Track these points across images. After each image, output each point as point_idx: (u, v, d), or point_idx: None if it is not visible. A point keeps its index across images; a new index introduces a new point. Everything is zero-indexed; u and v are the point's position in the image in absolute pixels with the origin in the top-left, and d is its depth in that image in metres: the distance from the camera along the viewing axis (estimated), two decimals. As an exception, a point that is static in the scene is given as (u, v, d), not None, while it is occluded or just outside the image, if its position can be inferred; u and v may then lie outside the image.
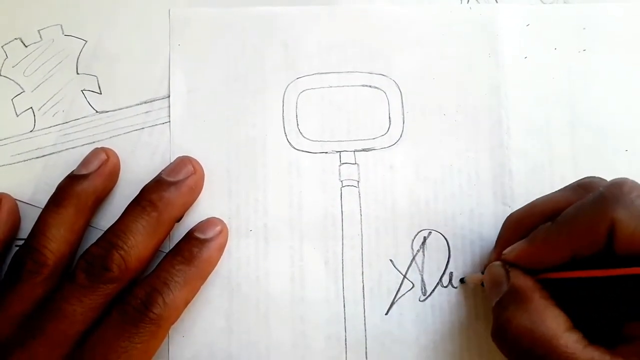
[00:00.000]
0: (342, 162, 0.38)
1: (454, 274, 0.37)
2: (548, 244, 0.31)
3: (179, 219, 0.36)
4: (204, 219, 0.37)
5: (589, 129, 0.38)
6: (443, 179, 0.38)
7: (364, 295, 0.36)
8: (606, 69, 0.39)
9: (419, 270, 0.37)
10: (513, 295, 0.31)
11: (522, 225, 0.33)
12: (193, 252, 0.34)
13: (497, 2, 0.39)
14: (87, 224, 0.36)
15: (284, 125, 0.38)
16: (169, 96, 0.38)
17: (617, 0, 0.39)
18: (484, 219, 0.37)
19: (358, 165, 0.38)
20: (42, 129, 0.38)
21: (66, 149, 0.38)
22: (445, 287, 0.37)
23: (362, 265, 0.37)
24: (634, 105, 0.39)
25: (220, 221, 0.36)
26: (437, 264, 0.37)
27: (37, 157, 0.38)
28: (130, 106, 0.38)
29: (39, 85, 0.38)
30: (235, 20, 0.39)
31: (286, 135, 0.38)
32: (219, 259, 0.36)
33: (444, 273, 0.37)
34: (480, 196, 0.38)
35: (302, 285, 0.36)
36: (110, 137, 0.38)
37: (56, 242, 0.33)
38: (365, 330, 0.36)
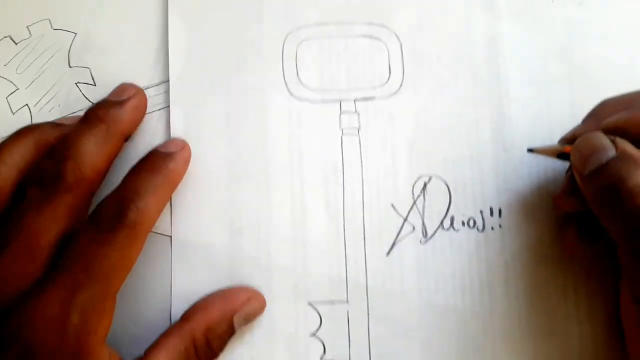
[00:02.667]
0: (342, 110, 0.38)
1: (455, 217, 0.37)
2: None
3: (127, 138, 0.36)
4: (202, 164, 0.37)
5: (586, 80, 0.38)
6: (443, 127, 0.38)
7: (364, 238, 0.37)
8: (604, 22, 0.39)
9: (420, 214, 0.37)
10: (625, 159, 0.29)
11: (622, 106, 0.32)
12: (157, 162, 0.34)
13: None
14: (116, 154, 0.35)
15: (283, 74, 0.39)
16: (163, 82, 0.39)
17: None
18: (483, 164, 0.38)
19: (358, 113, 0.38)
20: None
21: None
22: (447, 230, 0.37)
23: (363, 209, 0.37)
24: (632, 57, 0.39)
25: (182, 140, 0.37)
26: (438, 208, 0.37)
27: None
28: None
29: (32, 82, 0.39)
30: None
31: (286, 85, 0.39)
32: (184, 171, 0.36)
33: (445, 217, 0.37)
34: (480, 143, 0.38)
35: (303, 228, 0.37)
36: None
37: (88, 159, 0.33)
38: (366, 271, 0.36)
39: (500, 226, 0.37)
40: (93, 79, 0.39)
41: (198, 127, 0.38)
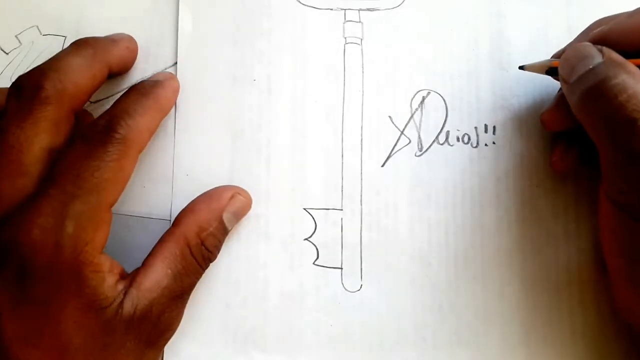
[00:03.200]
0: (346, 19, 0.38)
1: (450, 132, 0.38)
2: None
3: (113, 73, 0.36)
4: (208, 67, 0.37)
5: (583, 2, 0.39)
6: (444, 42, 0.38)
7: (361, 147, 0.37)
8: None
9: (417, 127, 0.38)
10: (610, 64, 0.30)
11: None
12: (147, 87, 0.34)
13: None
14: (100, 80, 0.34)
15: (290, -22, 0.38)
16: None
17: None
18: (481, 81, 0.38)
19: (362, 23, 0.38)
20: None
21: None
22: (442, 144, 0.38)
23: (362, 120, 0.38)
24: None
25: (170, 73, 0.37)
26: (435, 123, 0.38)
27: None
28: (122, 90, 0.38)
29: None
30: None
31: (293, -11, 0.38)
32: (174, 100, 0.36)
33: (440, 131, 0.38)
34: (478, 60, 0.38)
35: (302, 134, 0.37)
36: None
37: (70, 75, 0.32)
38: (362, 180, 0.37)
39: (493, 143, 0.38)
40: None
41: (205, 29, 0.38)
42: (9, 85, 0.33)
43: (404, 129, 0.38)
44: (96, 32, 0.37)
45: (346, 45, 0.38)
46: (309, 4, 0.38)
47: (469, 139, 0.38)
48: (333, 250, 0.37)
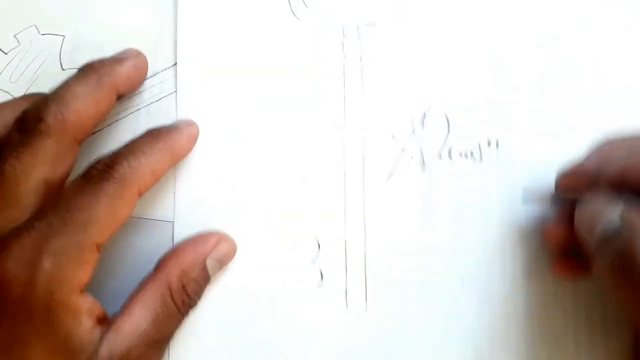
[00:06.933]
0: (345, 36, 0.38)
1: (452, 147, 0.37)
2: None
3: (120, 95, 0.35)
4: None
5: (590, 10, 0.38)
6: (445, 58, 0.38)
7: (363, 166, 0.37)
8: None
9: (418, 143, 0.37)
10: (632, 228, 0.28)
11: (626, 145, 0.32)
12: (162, 130, 0.34)
13: None
14: (107, 106, 0.34)
15: (288, -5, 0.38)
16: (158, 73, 0.38)
17: None
18: (483, 97, 0.38)
19: (361, 39, 0.38)
20: None
21: None
22: (444, 160, 0.37)
23: (363, 137, 0.37)
24: None
25: (191, 120, 0.36)
26: (437, 138, 0.38)
27: None
28: None
29: (27, 89, 0.38)
30: None
31: (290, 5, 0.39)
32: (189, 148, 0.35)
33: (443, 147, 0.37)
34: (480, 76, 0.38)
35: (305, 152, 0.37)
36: (110, 124, 0.38)
37: (73, 104, 0.32)
38: (364, 200, 0.37)
39: (497, 158, 0.37)
40: None
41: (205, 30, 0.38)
42: (3, 96, 0.33)
43: (405, 145, 0.37)
44: (95, 32, 0.38)
45: (346, 62, 0.37)
46: (306, 21, 0.37)
47: (472, 154, 0.37)
48: (337, 272, 0.36)
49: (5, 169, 0.30)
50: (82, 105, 0.32)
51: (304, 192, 0.37)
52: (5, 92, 0.38)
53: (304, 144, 0.37)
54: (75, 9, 0.39)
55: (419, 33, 0.38)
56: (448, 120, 0.38)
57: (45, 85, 0.37)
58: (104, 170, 0.30)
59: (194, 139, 0.36)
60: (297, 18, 0.38)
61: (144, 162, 0.32)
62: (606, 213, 0.29)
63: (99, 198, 0.30)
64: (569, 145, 0.36)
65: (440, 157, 0.37)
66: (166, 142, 0.33)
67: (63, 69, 0.38)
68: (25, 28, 0.39)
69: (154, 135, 0.33)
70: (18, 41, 0.39)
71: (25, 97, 0.35)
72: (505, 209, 0.37)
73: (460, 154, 0.37)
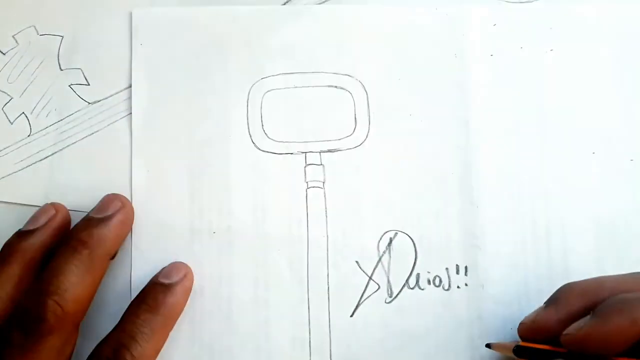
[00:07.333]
0: (307, 163, 0.37)
1: (420, 275, 0.36)
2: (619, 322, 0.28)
3: (113, 256, 0.35)
4: (163, 221, 0.36)
5: (556, 130, 0.38)
6: (410, 180, 0.37)
7: (329, 298, 0.36)
8: (574, 70, 0.38)
9: (385, 271, 0.36)
10: None
11: (587, 298, 0.31)
12: (158, 298, 0.34)
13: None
14: (102, 276, 0.34)
15: (248, 125, 0.38)
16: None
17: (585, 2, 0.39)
18: (450, 219, 0.37)
19: (324, 166, 0.37)
20: (39, 131, 0.38)
21: (67, 146, 0.38)
22: (412, 289, 0.36)
23: (328, 267, 0.36)
24: (602, 107, 0.38)
25: (185, 265, 0.36)
26: (404, 266, 0.37)
27: (41, 160, 0.38)
28: (122, 90, 0.38)
29: (25, 89, 0.38)
30: (198, 19, 0.38)
31: (250, 136, 0.37)
32: (185, 304, 0.35)
33: (410, 274, 0.36)
34: (446, 197, 0.37)
35: (266, 288, 0.36)
36: (109, 125, 0.38)
37: (1, 302, 0.32)
38: (330, 333, 0.36)
39: (466, 284, 0.36)
40: (86, 79, 0.39)
41: (160, 178, 0.37)
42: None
43: (372, 274, 0.36)
44: (94, 31, 0.39)
45: (308, 189, 0.37)
46: (268, 150, 0.37)
47: (441, 281, 0.36)
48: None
49: None
50: (80, 290, 0.32)
51: (266, 330, 0.36)
52: (3, 92, 0.39)
53: (266, 278, 0.37)
54: (73, 10, 0.39)
55: (382, 156, 0.38)
56: (415, 246, 0.37)
57: (43, 87, 0.39)
58: None
59: (189, 292, 0.36)
60: (258, 147, 0.37)
61: (147, 347, 0.32)
62: None
63: None
64: (539, 270, 0.36)
65: (408, 285, 0.36)
66: (164, 313, 0.34)
67: (61, 70, 0.39)
68: (24, 28, 0.39)
69: (151, 307, 0.33)
70: (17, 41, 0.39)
71: (15, 256, 0.34)
72: (476, 339, 0.36)
73: (429, 282, 0.36)
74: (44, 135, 0.38)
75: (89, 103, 0.38)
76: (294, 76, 0.38)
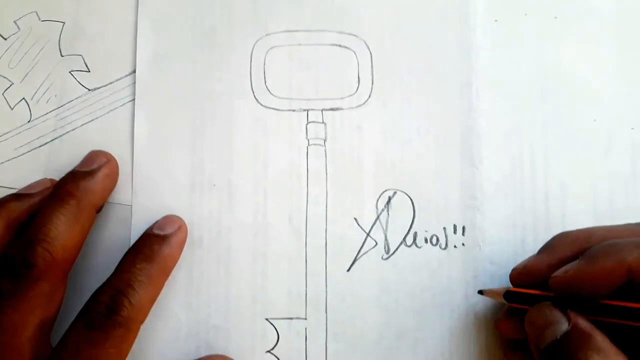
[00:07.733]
0: (309, 120, 0.37)
1: (418, 233, 0.36)
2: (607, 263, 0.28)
3: (99, 209, 0.35)
4: (166, 171, 0.37)
5: (558, 96, 0.38)
6: (410, 140, 0.37)
7: (326, 252, 0.36)
8: (577, 37, 0.38)
9: (383, 229, 0.37)
10: (579, 337, 0.28)
11: (578, 244, 0.31)
12: (154, 249, 0.34)
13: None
14: (89, 227, 0.34)
15: (251, 81, 0.38)
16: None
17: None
18: (450, 180, 0.37)
19: (325, 124, 0.37)
20: (39, 117, 0.38)
21: (67, 132, 0.38)
22: (409, 246, 0.36)
23: (326, 223, 0.37)
24: (604, 74, 0.38)
25: (179, 218, 0.36)
26: (402, 224, 0.37)
27: (40, 146, 0.38)
28: (122, 77, 0.39)
29: (26, 75, 0.39)
30: (204, -25, 0.39)
31: (253, 92, 0.38)
32: (179, 255, 0.35)
33: (407, 233, 0.37)
34: (447, 158, 0.37)
35: (264, 240, 0.36)
36: (109, 112, 0.38)
37: (60, 240, 0.32)
38: (326, 286, 0.36)
39: (463, 244, 0.36)
40: (86, 65, 0.39)
41: (162, 132, 0.38)
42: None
43: (370, 231, 0.36)
44: (95, 18, 0.39)
45: (309, 147, 0.37)
46: (270, 106, 0.37)
47: (438, 240, 0.37)
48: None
49: (2, 320, 0.31)
50: (68, 239, 0.33)
51: (263, 282, 0.37)
52: (4, 77, 0.39)
53: (265, 232, 0.37)
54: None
55: (384, 116, 0.38)
56: (413, 205, 0.37)
57: (44, 73, 0.39)
58: (107, 315, 0.31)
59: (183, 243, 0.36)
60: (260, 103, 0.38)
61: (144, 295, 0.32)
62: (554, 322, 0.29)
63: (106, 347, 0.31)
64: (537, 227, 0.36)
65: (405, 243, 0.37)
66: (159, 262, 0.34)
67: (62, 56, 0.39)
68: (26, 14, 0.39)
69: (147, 256, 0.34)
70: (18, 27, 0.39)
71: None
72: (471, 297, 0.36)
73: (426, 240, 0.37)
74: (44, 121, 0.38)
75: (89, 90, 0.38)
76: (298, 34, 0.38)
